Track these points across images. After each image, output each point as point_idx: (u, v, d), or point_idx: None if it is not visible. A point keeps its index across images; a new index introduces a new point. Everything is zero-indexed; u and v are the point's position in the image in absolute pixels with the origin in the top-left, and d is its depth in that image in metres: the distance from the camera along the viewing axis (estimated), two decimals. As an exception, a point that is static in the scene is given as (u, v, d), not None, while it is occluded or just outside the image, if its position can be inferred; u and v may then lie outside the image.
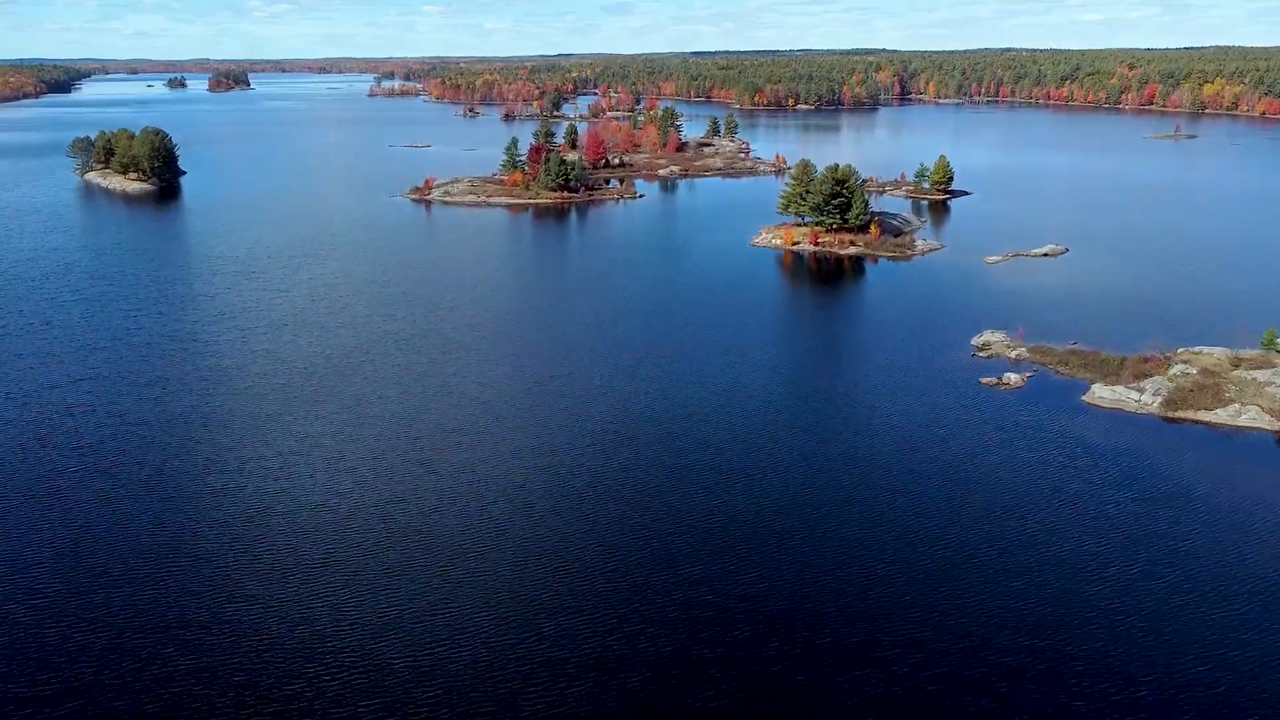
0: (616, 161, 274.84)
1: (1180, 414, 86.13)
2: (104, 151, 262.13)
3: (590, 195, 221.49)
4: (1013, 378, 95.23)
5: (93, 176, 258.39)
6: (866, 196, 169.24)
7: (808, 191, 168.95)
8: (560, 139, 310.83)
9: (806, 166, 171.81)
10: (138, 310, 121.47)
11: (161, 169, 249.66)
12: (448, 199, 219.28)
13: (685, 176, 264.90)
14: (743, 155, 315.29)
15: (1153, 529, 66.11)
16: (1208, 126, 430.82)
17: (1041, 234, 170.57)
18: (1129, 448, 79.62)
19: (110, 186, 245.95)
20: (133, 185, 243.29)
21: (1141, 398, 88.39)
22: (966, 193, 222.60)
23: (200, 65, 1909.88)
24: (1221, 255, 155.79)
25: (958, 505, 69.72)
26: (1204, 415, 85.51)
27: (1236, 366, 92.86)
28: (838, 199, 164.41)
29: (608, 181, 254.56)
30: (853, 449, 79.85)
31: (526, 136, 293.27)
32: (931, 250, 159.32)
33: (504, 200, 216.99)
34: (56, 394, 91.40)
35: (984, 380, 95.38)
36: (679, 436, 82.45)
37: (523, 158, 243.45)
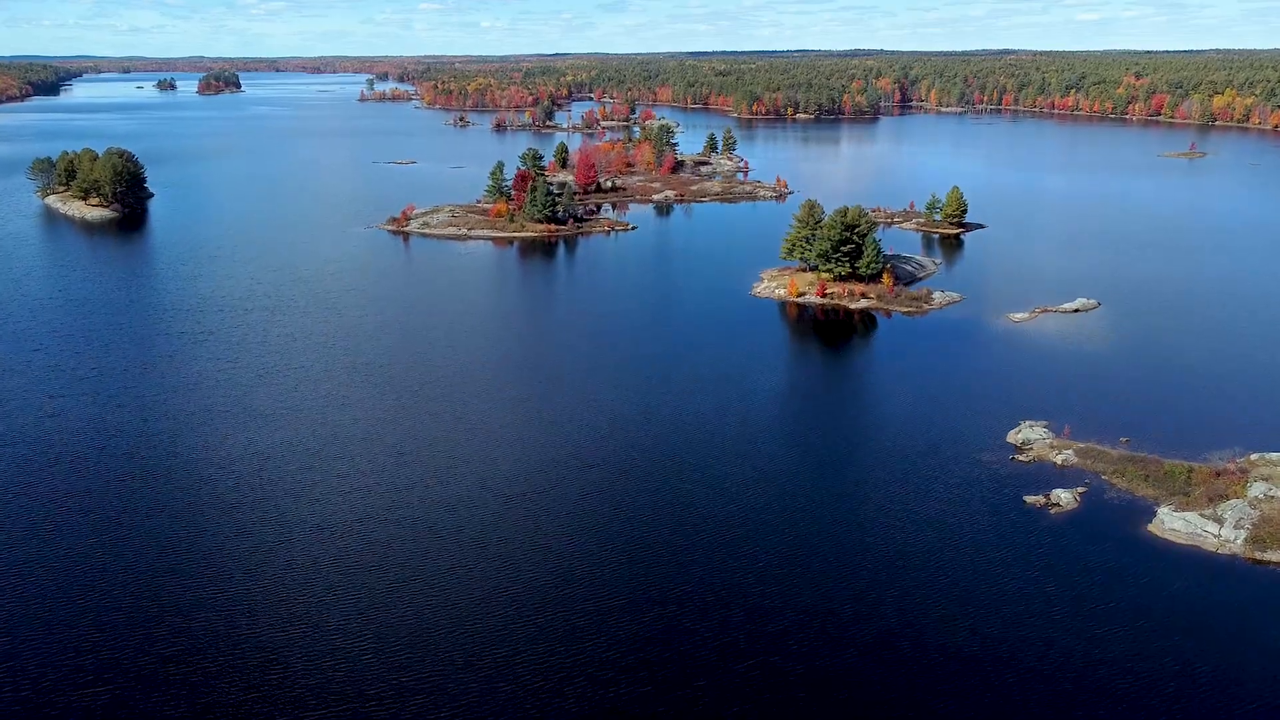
0: (609, 185, 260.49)
1: (1270, 556, 71.98)
2: (65, 173, 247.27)
3: (579, 227, 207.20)
4: (1063, 496, 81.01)
5: (53, 200, 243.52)
6: (877, 240, 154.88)
7: (814, 236, 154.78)
8: (550, 156, 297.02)
9: (813, 207, 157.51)
10: (60, 392, 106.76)
11: (125, 194, 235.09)
12: (426, 231, 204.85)
13: (681, 201, 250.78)
14: (741, 174, 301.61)
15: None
16: (1220, 141, 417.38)
17: (1067, 283, 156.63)
18: (1225, 615, 65.30)
19: (70, 213, 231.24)
20: (93, 212, 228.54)
21: (1221, 532, 74.26)
22: (980, 225, 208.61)
23: (194, 64, 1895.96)
24: (1273, 314, 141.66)
25: (1027, 701, 55.64)
26: (1300, 558, 71.39)
27: (1329, 487, 78.75)
28: (847, 245, 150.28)
29: (598, 208, 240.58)
30: (886, 602, 65.66)
31: (516, 154, 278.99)
32: (950, 303, 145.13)
33: (486, 233, 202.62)
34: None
35: (1029, 499, 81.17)
36: (659, 567, 68.34)
37: (508, 183, 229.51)
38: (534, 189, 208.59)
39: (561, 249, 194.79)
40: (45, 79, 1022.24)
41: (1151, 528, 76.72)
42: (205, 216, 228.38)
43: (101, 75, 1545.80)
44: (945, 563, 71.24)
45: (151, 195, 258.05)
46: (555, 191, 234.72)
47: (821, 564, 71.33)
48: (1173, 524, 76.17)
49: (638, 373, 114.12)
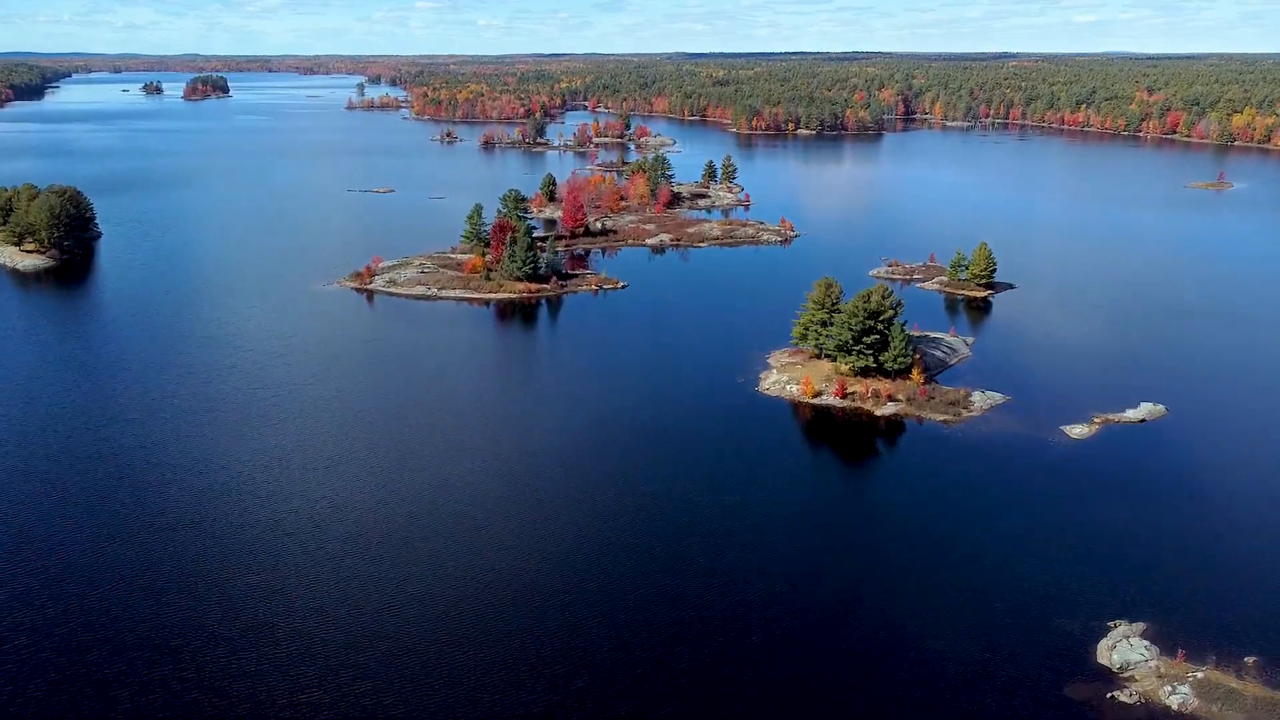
0: (598, 227, 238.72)
1: None
2: (2, 212, 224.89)
3: (563, 286, 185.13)
4: (1196, 785, 59.48)
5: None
6: (903, 324, 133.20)
7: (830, 320, 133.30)
8: (538, 187, 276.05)
9: (829, 287, 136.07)
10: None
11: (63, 238, 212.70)
12: (393, 289, 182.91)
13: (677, 246, 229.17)
14: (742, 210, 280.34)
15: None
16: (1244, 167, 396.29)
17: (1123, 374, 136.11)
18: None
19: (1, 260, 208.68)
20: (26, 260, 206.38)
21: None
22: (1010, 285, 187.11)
23: (187, 63, 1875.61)
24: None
25: None
26: None
27: None
28: (870, 335, 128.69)
29: (587, 254, 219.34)
30: None
31: (502, 179, 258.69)
32: (992, 406, 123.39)
33: (459, 293, 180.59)
34: None
35: (1150, 788, 59.63)
36: None
37: (486, 227, 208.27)
38: (513, 241, 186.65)
39: (543, 313, 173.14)
40: (29, 81, 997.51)
41: None
42: (151, 266, 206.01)
43: (91, 76, 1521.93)
44: None
45: (99, 235, 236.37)
46: (540, 236, 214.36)
47: None
48: None
49: (616, 524, 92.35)
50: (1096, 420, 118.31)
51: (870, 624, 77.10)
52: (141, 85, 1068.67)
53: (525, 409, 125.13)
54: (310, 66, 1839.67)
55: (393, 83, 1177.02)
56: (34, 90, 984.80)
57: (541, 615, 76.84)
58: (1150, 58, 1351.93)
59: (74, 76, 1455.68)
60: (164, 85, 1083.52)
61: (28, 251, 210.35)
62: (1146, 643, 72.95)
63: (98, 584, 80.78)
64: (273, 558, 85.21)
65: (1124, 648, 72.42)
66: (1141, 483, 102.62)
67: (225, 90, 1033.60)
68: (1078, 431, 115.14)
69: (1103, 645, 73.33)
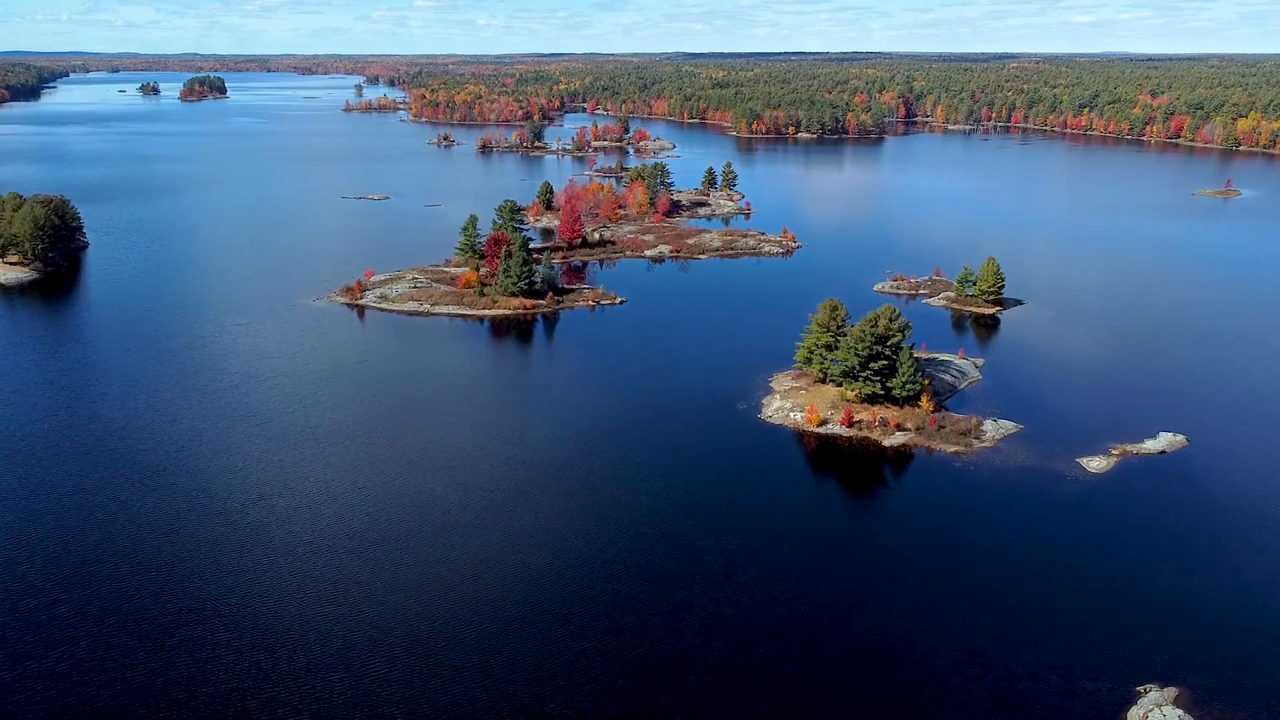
0: (596, 238, 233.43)
1: None
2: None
3: (559, 301, 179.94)
4: None
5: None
6: (911, 347, 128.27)
7: (835, 344, 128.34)
8: (535, 195, 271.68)
9: (835, 309, 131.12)
10: None
11: (47, 249, 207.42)
12: (384, 305, 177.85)
13: (677, 257, 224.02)
14: (742, 218, 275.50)
15: None
16: (1250, 172, 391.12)
17: (1140, 399, 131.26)
18: None
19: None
20: (9, 273, 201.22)
21: None
22: (1019, 301, 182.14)
23: (185, 63, 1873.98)
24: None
25: None
26: None
27: None
28: (878, 361, 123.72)
29: (584, 265, 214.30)
30: None
31: (499, 185, 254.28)
32: (1004, 436, 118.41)
33: (452, 309, 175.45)
34: None
35: None
36: None
37: (481, 239, 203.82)
38: (508, 255, 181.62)
39: (538, 331, 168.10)
40: (25, 82, 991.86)
41: None
42: (137, 279, 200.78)
43: (89, 75, 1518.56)
44: None
45: (86, 245, 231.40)
46: (536, 248, 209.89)
47: None
48: None
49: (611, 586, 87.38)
50: (1114, 452, 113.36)
51: (885, 688, 72.02)
52: (139, 86, 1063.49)
53: (517, 435, 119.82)
54: (309, 66, 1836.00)
55: (391, 83, 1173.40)
56: (30, 91, 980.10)
57: (538, 686, 71.85)
58: (1150, 58, 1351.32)
59: (71, 76, 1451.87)
60: (161, 86, 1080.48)
61: (10, 264, 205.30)
62: (1181, 712, 68.04)
63: (60, 643, 75.75)
64: (245, 613, 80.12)
65: (1156, 718, 67.42)
66: (1165, 523, 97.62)
67: (223, 91, 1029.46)
68: (1095, 464, 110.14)
69: (1133, 714, 68.39)
